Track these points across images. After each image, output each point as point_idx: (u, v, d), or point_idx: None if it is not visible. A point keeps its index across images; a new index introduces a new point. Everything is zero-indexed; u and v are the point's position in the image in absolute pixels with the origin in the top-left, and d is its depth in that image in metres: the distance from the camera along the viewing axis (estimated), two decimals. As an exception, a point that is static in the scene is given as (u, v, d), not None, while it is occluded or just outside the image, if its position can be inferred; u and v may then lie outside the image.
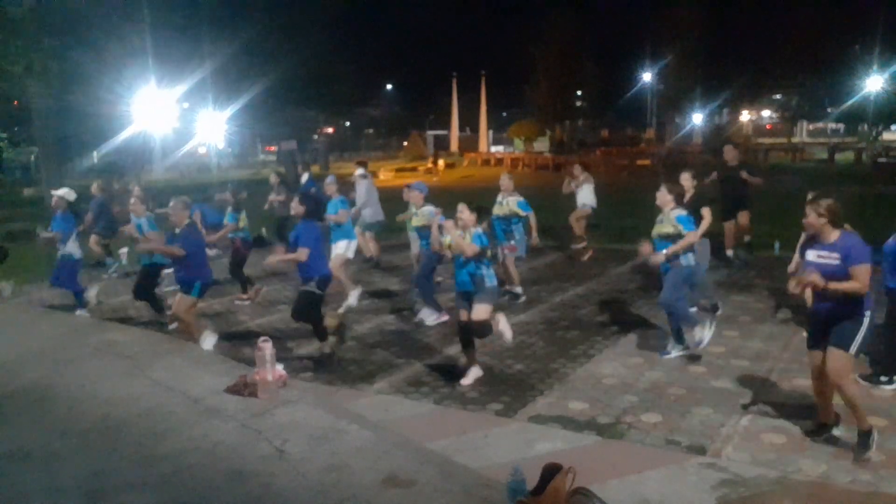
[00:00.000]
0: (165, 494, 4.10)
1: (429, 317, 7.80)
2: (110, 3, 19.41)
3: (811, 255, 4.48)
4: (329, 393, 5.79)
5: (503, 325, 5.86)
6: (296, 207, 6.63)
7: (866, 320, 4.35)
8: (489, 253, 5.90)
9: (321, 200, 9.20)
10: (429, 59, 70.29)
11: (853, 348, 4.33)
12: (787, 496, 3.92)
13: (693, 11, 44.28)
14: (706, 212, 7.50)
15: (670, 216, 6.32)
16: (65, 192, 8.99)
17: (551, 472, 3.60)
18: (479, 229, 5.81)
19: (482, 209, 6.00)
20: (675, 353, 6.36)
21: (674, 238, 6.23)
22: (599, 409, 5.25)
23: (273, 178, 12.72)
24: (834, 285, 4.24)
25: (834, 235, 4.38)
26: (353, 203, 10.37)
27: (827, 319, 4.42)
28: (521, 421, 5.11)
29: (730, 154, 10.09)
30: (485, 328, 5.78)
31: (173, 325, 7.71)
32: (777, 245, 10.90)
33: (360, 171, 11.24)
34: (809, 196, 4.49)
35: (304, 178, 13.13)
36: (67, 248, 8.63)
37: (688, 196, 7.50)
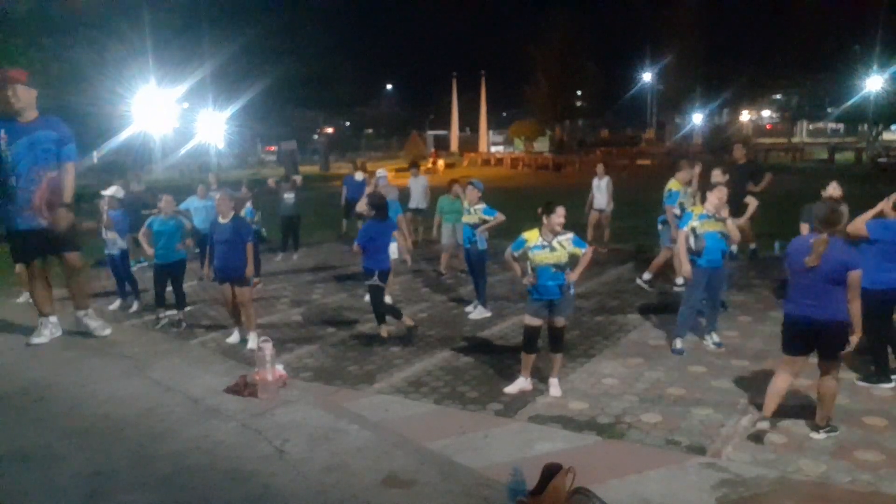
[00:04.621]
0: (165, 494, 4.10)
1: (481, 313, 8.06)
2: (110, 3, 19.41)
3: None
4: (329, 393, 5.79)
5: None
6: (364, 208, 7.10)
7: None
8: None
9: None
10: (429, 59, 70.39)
11: None
12: (787, 496, 3.92)
13: (693, 11, 44.30)
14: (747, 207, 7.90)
15: (729, 220, 6.49)
16: (115, 191, 9.11)
17: (551, 472, 3.60)
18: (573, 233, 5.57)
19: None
20: (716, 339, 6.62)
21: (727, 236, 6.44)
22: (599, 409, 5.25)
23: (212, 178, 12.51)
24: None
25: None
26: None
27: None
28: (521, 421, 5.11)
29: (738, 152, 10.20)
30: (564, 334, 5.72)
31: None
32: (777, 245, 10.88)
33: (380, 171, 11.90)
34: None
35: (359, 176, 13.75)
36: (121, 243, 8.77)
37: None
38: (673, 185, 8.74)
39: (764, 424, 4.65)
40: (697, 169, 9.17)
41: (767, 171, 10.25)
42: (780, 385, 4.70)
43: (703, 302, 6.70)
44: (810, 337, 4.62)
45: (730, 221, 6.45)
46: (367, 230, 7.21)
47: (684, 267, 6.42)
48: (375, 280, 7.09)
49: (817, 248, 4.41)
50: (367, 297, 7.68)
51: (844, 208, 4.61)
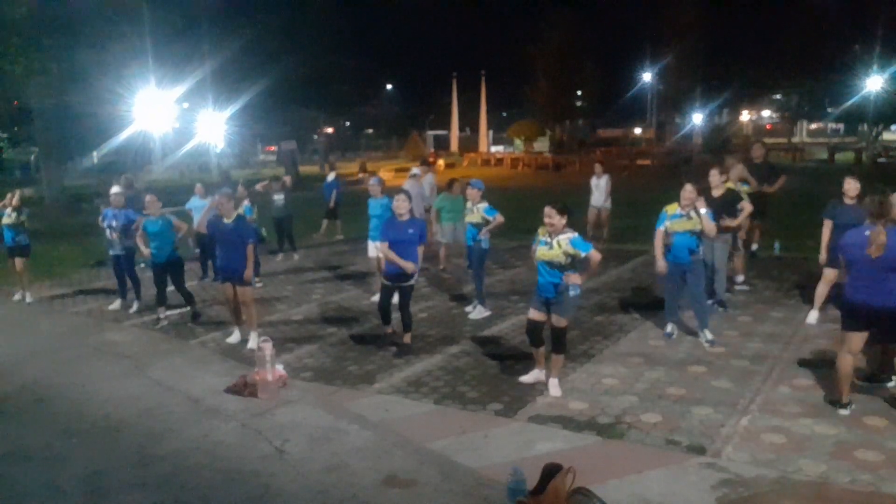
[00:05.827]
0: (165, 494, 4.10)
1: (481, 312, 8.10)
2: (110, 3, 19.39)
3: None
4: (329, 393, 5.79)
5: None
6: (403, 205, 6.76)
7: None
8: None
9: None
10: (429, 59, 70.40)
11: None
12: (787, 496, 3.92)
13: (693, 11, 44.28)
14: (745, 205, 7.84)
15: (702, 213, 6.58)
16: (120, 190, 9.20)
17: (551, 472, 3.60)
18: (575, 233, 5.49)
19: (567, 209, 5.46)
20: (709, 336, 6.69)
21: (698, 234, 6.56)
22: (599, 409, 5.25)
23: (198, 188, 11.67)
24: None
25: None
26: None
27: None
28: (521, 421, 5.11)
29: (757, 151, 10.19)
30: (564, 335, 5.61)
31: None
32: (777, 245, 10.88)
33: (414, 170, 12.40)
34: None
35: (331, 177, 14.43)
36: (127, 242, 8.67)
37: (718, 192, 7.65)
38: (729, 185, 8.46)
39: (845, 412, 4.90)
40: (738, 167, 9.01)
41: (783, 173, 10.18)
42: (845, 368, 4.90)
43: (680, 290, 6.88)
44: (870, 320, 4.86)
45: (703, 212, 6.51)
46: (423, 227, 7.02)
47: (659, 263, 6.69)
48: (414, 280, 6.84)
49: (877, 239, 4.63)
50: (375, 298, 7.64)
51: (894, 198, 4.85)
